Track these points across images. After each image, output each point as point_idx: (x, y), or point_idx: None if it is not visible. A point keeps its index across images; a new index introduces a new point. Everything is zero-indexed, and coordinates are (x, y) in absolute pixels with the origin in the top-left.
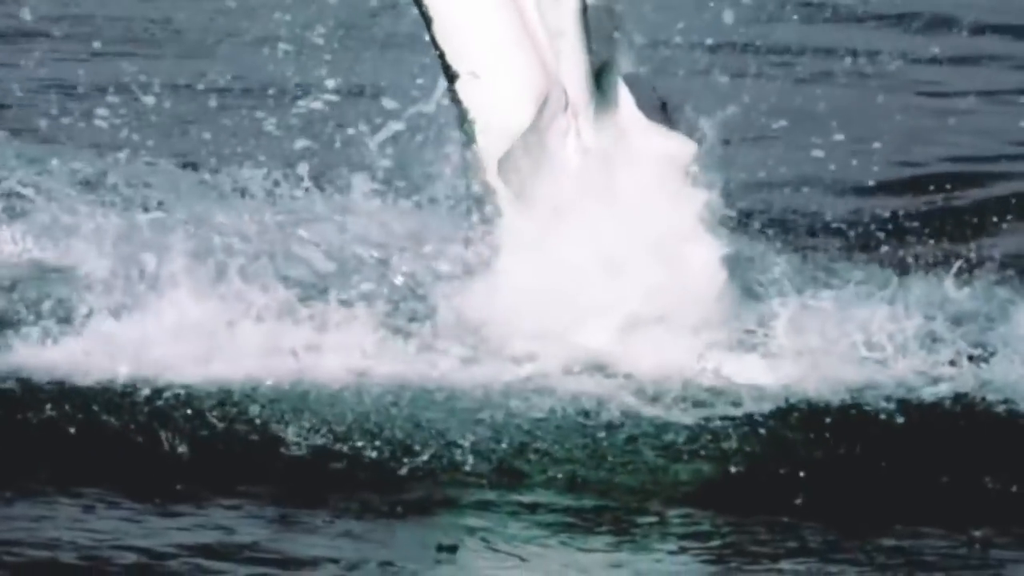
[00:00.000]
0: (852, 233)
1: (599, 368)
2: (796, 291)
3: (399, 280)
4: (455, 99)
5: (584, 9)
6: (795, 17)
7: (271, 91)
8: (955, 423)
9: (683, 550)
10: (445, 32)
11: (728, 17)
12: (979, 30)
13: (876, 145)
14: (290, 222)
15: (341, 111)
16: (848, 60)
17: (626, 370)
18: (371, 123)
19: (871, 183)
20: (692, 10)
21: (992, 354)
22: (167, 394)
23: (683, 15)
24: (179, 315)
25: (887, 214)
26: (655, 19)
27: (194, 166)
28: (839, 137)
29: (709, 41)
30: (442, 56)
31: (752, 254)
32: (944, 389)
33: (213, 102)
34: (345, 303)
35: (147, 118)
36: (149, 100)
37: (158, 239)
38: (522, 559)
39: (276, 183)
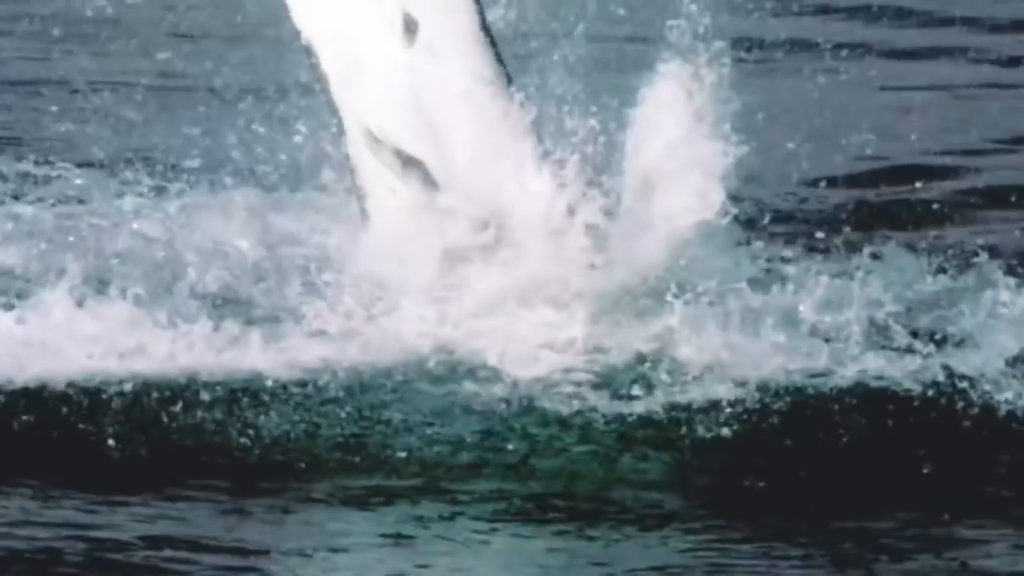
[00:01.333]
0: (814, 225)
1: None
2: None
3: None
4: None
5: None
6: (757, 12)
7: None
8: (915, 410)
9: (635, 536)
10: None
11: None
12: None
13: (840, 138)
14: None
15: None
16: (812, 53)
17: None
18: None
19: (835, 175)
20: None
21: (955, 343)
22: (113, 389)
23: (646, 5)
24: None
25: (850, 206)
26: (615, 11)
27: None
28: (803, 130)
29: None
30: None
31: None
32: (902, 376)
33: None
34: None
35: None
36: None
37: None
38: (475, 546)
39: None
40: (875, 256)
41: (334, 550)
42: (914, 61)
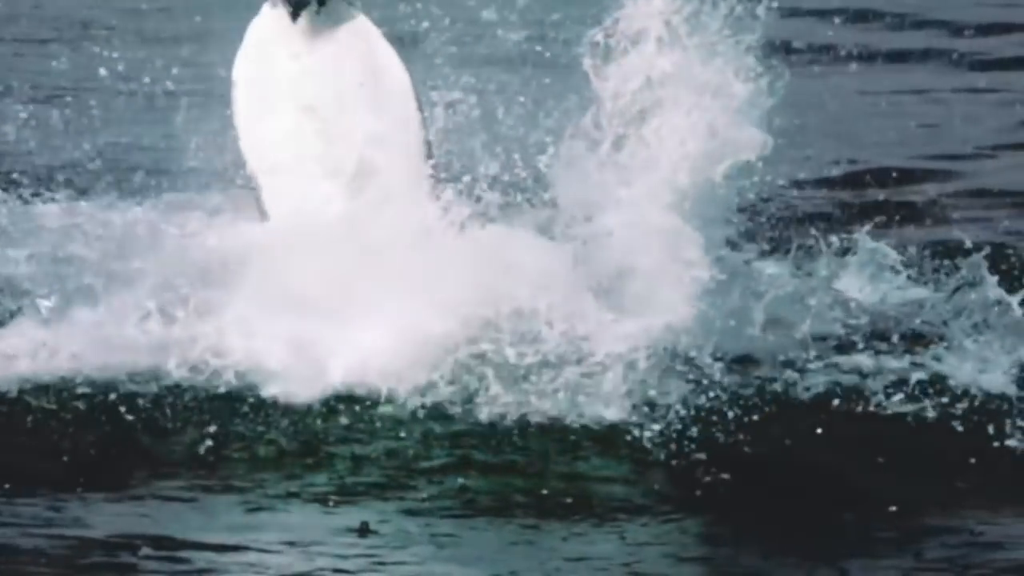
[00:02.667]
0: (782, 227)
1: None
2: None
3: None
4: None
5: None
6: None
7: None
8: (881, 408)
9: (592, 532)
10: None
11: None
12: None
13: (809, 139)
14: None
15: None
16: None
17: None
18: None
19: (804, 177)
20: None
21: (927, 344)
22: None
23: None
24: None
25: (820, 209)
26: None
27: None
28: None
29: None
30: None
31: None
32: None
33: None
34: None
35: None
36: None
37: None
38: (437, 540)
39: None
40: (846, 255)
41: (290, 543)
42: (889, 64)
